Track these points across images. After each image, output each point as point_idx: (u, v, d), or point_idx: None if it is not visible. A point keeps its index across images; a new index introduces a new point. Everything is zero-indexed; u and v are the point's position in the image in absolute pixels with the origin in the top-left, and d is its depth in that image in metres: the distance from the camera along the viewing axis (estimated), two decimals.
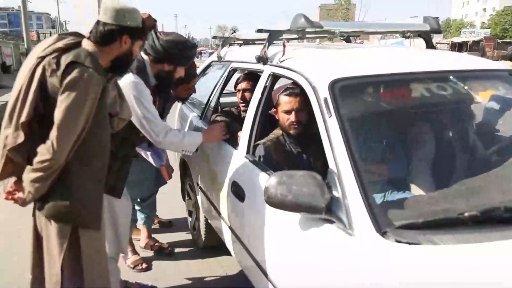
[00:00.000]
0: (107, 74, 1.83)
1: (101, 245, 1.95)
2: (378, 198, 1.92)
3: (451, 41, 40.72)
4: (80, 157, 1.77)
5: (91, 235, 1.87)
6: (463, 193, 1.60)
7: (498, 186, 1.67)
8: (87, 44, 1.81)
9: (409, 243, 1.28)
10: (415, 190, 2.06)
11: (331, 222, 1.50)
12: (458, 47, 38.36)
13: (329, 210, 1.48)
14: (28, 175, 1.72)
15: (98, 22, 1.84)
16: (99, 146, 1.85)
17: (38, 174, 1.70)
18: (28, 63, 1.76)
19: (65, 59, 1.69)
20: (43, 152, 1.69)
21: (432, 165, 2.12)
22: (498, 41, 42.05)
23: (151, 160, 2.80)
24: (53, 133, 1.68)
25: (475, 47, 38.50)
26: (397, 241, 1.30)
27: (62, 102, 1.67)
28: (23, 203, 1.79)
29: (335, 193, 1.50)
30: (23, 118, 1.69)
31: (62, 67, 1.68)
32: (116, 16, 1.82)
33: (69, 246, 1.80)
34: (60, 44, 1.75)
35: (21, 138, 1.71)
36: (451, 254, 1.25)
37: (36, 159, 1.70)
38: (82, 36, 1.86)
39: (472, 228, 1.34)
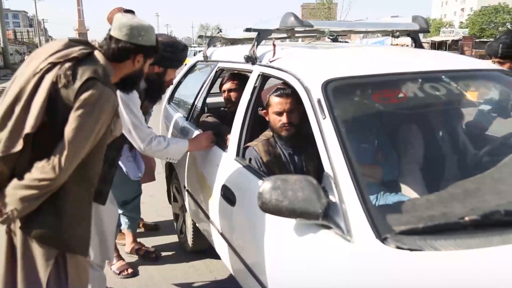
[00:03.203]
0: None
1: (86, 271, 1.81)
2: (371, 200, 1.89)
3: (431, 40, 41.57)
4: (75, 177, 1.62)
5: (79, 260, 1.73)
6: (460, 196, 1.58)
7: (494, 188, 1.65)
8: (100, 58, 1.69)
9: (411, 250, 1.24)
10: (407, 191, 2.04)
11: (328, 227, 1.46)
12: (438, 46, 39.28)
13: (326, 216, 1.44)
14: (17, 191, 1.55)
15: (110, 38, 1.74)
16: (95, 166, 1.73)
17: (31, 192, 1.54)
18: (33, 65, 1.61)
19: (82, 72, 1.57)
20: (46, 170, 1.53)
21: (425, 166, 2.10)
22: (476, 40, 43.13)
23: (128, 172, 2.73)
24: (63, 152, 1.53)
25: (454, 46, 39.47)
26: (398, 248, 1.26)
27: (76, 120, 1.54)
28: (4, 220, 1.58)
29: (331, 197, 1.46)
30: (28, 129, 1.52)
31: (79, 81, 1.55)
32: (131, 34, 1.74)
33: (55, 270, 1.66)
34: (73, 52, 1.62)
35: (19, 146, 1.53)
36: (453, 260, 1.22)
37: (32, 176, 1.54)
38: (93, 47, 1.73)
39: (472, 233, 1.31)
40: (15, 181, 1.56)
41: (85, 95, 1.55)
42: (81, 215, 1.71)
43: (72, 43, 1.69)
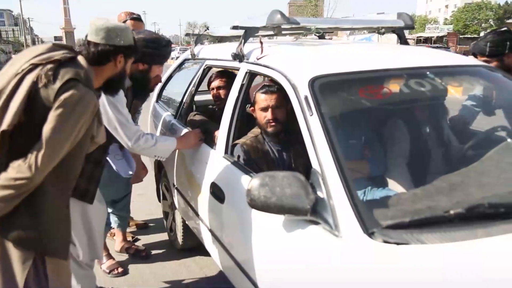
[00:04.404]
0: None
1: (67, 273, 1.79)
2: (359, 195, 1.91)
3: (417, 37, 42.09)
4: (52, 178, 1.61)
5: (58, 263, 1.72)
6: (446, 189, 1.60)
7: (478, 181, 1.68)
8: (83, 62, 1.70)
9: (397, 243, 1.26)
10: (394, 186, 2.07)
11: (316, 223, 1.47)
12: (423, 42, 39.82)
13: (314, 211, 1.45)
14: None
15: (88, 43, 1.75)
16: (74, 169, 1.73)
17: (8, 192, 1.52)
18: (15, 67, 1.61)
19: (64, 74, 1.58)
20: (22, 169, 1.51)
21: (411, 161, 2.13)
22: (460, 36, 43.74)
23: (118, 170, 2.71)
24: (40, 151, 1.52)
25: (439, 43, 40.00)
26: (385, 242, 1.28)
27: (55, 119, 1.53)
28: None
29: (319, 193, 1.47)
30: (4, 126, 1.51)
31: (60, 81, 1.55)
32: (109, 37, 1.75)
33: (34, 274, 1.65)
34: (56, 55, 1.63)
35: None
36: (439, 253, 1.24)
37: (8, 175, 1.52)
38: (76, 52, 1.75)
39: (457, 226, 1.33)
40: None
41: (65, 95, 1.54)
42: (59, 217, 1.69)
43: (55, 47, 1.69)
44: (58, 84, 1.55)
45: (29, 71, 1.58)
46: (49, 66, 1.58)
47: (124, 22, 3.17)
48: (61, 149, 1.57)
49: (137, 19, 3.25)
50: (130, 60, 1.90)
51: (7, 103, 1.54)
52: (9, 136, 1.54)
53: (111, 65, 1.80)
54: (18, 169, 1.52)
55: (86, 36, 1.79)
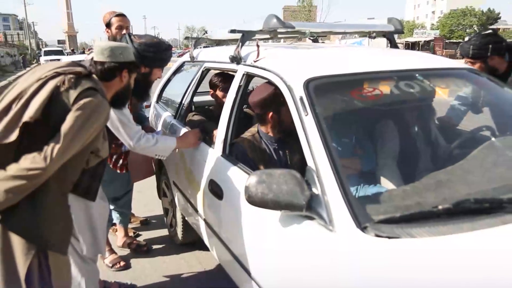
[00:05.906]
0: None
1: (68, 267, 1.88)
2: (352, 192, 1.97)
3: (405, 41, 42.72)
4: (57, 176, 1.70)
5: (59, 257, 1.80)
6: (434, 186, 1.67)
7: (464, 178, 1.74)
8: (97, 79, 1.87)
9: (389, 237, 1.32)
10: (385, 183, 2.13)
11: (311, 218, 1.53)
12: (412, 46, 40.51)
13: (309, 207, 1.51)
14: (3, 182, 1.59)
15: (95, 63, 1.95)
16: (76, 170, 1.84)
17: (19, 182, 1.58)
18: (37, 74, 1.75)
19: (85, 83, 1.75)
20: (37, 160, 1.60)
21: (401, 159, 2.21)
22: (446, 41, 44.55)
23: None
24: (57, 144, 1.62)
25: (426, 47, 40.69)
26: (377, 236, 1.33)
27: (75, 119, 1.67)
28: None
29: (314, 190, 1.53)
30: (26, 118, 1.61)
31: (81, 88, 1.72)
32: (113, 54, 1.96)
33: (38, 266, 1.72)
34: (77, 69, 1.80)
35: (13, 136, 1.59)
36: (428, 246, 1.30)
37: (20, 166, 1.59)
38: (90, 71, 1.90)
39: (445, 220, 1.39)
40: (1, 172, 1.61)
41: (85, 100, 1.69)
42: (59, 214, 1.78)
43: (75, 63, 1.88)
44: (79, 89, 1.70)
45: (52, 77, 1.72)
46: (71, 75, 1.74)
47: (110, 20, 3.24)
48: (75, 147, 1.69)
49: (121, 15, 3.32)
50: (134, 75, 2.10)
51: (28, 101, 1.65)
52: (24, 132, 1.62)
53: (117, 80, 2.01)
54: (32, 160, 1.60)
55: (92, 58, 1.97)
